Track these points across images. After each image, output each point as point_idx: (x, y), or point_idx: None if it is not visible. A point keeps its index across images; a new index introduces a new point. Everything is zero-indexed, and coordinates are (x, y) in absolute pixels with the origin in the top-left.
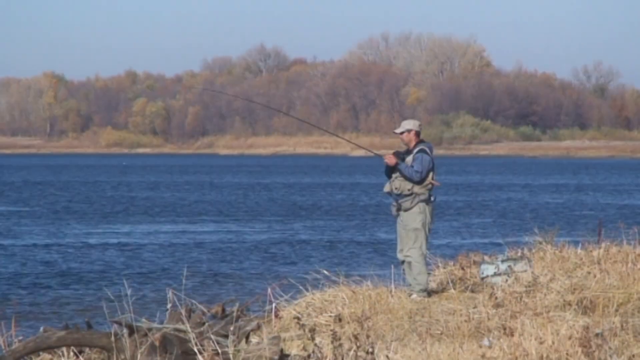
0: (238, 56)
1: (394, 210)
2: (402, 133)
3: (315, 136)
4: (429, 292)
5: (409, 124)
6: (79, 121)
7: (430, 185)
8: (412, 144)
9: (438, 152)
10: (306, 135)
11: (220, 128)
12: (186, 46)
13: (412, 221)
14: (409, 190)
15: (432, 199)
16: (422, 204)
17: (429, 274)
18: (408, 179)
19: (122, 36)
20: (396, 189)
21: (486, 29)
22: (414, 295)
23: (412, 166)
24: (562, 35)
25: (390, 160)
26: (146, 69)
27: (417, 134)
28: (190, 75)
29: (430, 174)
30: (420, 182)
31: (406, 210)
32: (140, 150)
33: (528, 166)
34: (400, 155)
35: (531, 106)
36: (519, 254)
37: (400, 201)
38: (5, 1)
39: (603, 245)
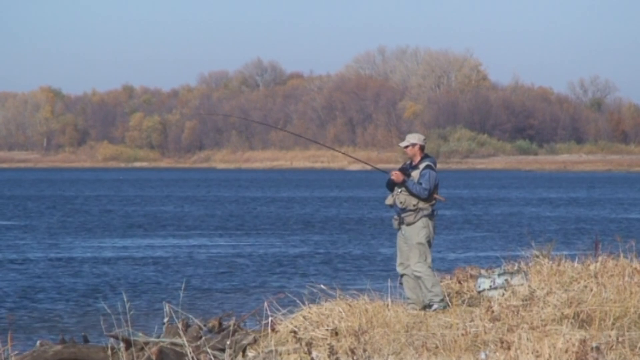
0: (235, 70)
1: (395, 223)
2: (406, 147)
3: (312, 150)
4: (447, 304)
5: (414, 138)
6: (75, 135)
7: (434, 201)
8: (417, 158)
9: None
10: (303, 149)
11: (216, 142)
12: (182, 60)
13: (416, 236)
14: (414, 205)
15: (435, 213)
16: (425, 219)
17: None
18: (415, 195)
19: (119, 51)
20: (401, 203)
21: (482, 43)
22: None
23: (420, 183)
24: (558, 49)
25: (398, 177)
26: (143, 83)
27: (422, 148)
28: (186, 89)
29: (435, 190)
30: (427, 199)
31: (409, 224)
32: (137, 165)
33: (525, 180)
34: (406, 171)
35: (528, 120)
36: (516, 268)
37: (403, 215)
38: (2, 16)
39: (600, 259)
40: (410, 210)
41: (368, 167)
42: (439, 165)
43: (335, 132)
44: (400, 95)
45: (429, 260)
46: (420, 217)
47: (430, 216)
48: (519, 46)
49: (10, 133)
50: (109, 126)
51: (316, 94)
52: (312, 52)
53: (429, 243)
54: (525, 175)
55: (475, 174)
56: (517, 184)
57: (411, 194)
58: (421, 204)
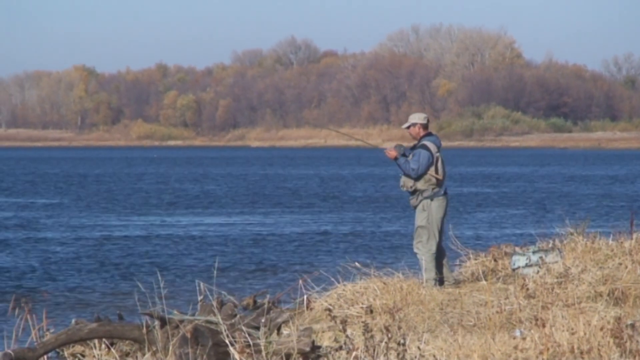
0: (268, 48)
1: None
2: (408, 127)
3: (346, 128)
4: (457, 282)
5: (414, 118)
6: (109, 114)
7: (434, 180)
8: (419, 137)
9: (468, 143)
10: (337, 127)
11: (251, 120)
12: (216, 39)
13: (417, 218)
14: (411, 187)
15: (441, 192)
16: (426, 201)
17: (459, 265)
18: (406, 175)
19: (153, 29)
20: (402, 185)
21: (516, 21)
22: (425, 284)
23: (409, 162)
24: (592, 27)
25: (390, 153)
26: (177, 61)
27: (424, 127)
28: (220, 67)
29: (432, 169)
30: (417, 179)
31: (414, 207)
32: (171, 143)
33: (559, 157)
34: (402, 150)
35: (562, 98)
36: (550, 245)
37: (409, 198)
38: None
39: (635, 236)
40: (412, 193)
41: (404, 144)
42: (472, 143)
43: (369, 110)
44: (434, 73)
45: (431, 244)
46: (421, 200)
47: (432, 197)
48: (552, 24)
49: (44, 112)
50: (143, 105)
51: (350, 72)
52: (346, 31)
53: (436, 226)
54: (560, 153)
55: (509, 151)
56: (551, 161)
57: (404, 174)
58: (420, 185)
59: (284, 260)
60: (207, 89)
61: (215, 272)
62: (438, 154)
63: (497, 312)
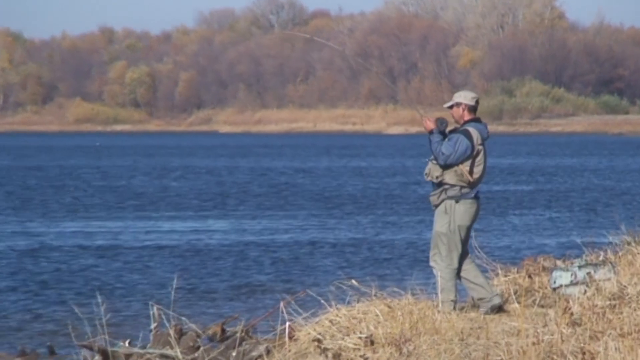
0: (242, 7)
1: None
2: (451, 107)
3: (341, 109)
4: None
5: (459, 97)
6: (40, 91)
7: (466, 178)
8: (462, 122)
9: (497, 128)
10: (329, 107)
11: (219, 99)
12: None
13: (437, 222)
14: (437, 177)
15: (471, 194)
16: (449, 202)
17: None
18: (435, 157)
19: None
20: (426, 174)
21: None
22: (440, 308)
23: (442, 143)
24: None
25: (428, 124)
26: (125, 24)
27: (471, 109)
28: (182, 32)
29: (467, 164)
30: (445, 167)
31: (435, 206)
32: (119, 128)
33: (613, 145)
34: (444, 126)
35: (616, 70)
36: (601, 258)
37: (430, 194)
38: None
39: None
40: (437, 187)
41: (412, 131)
42: (502, 128)
43: (370, 86)
44: (454, 39)
45: (451, 257)
46: (443, 200)
47: (459, 199)
48: None
49: None
50: (82, 79)
51: (346, 38)
52: None
53: (459, 235)
54: (614, 140)
55: (549, 138)
56: (602, 150)
57: (433, 158)
58: (447, 178)
59: (261, 277)
60: (164, 59)
61: (173, 292)
62: (481, 147)
63: (533, 343)
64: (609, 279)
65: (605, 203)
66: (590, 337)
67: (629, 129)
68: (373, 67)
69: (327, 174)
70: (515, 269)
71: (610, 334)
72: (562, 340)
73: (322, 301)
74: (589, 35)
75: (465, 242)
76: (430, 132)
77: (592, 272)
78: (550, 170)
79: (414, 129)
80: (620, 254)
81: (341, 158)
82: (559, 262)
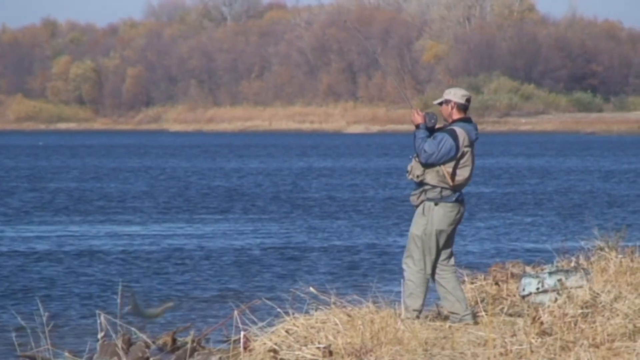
0: None
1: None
2: (441, 104)
3: (298, 107)
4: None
5: (449, 94)
6: None
7: (447, 180)
8: (451, 120)
9: None
10: (286, 105)
11: (169, 96)
12: None
13: (414, 224)
14: (418, 177)
15: (452, 198)
16: (429, 204)
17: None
18: (417, 154)
19: None
20: (408, 172)
21: None
22: (403, 314)
23: (426, 141)
24: None
25: (416, 117)
26: (69, 16)
27: (461, 108)
28: (129, 25)
29: (449, 165)
30: (426, 166)
31: (415, 207)
32: (62, 126)
33: (585, 145)
34: (433, 122)
35: (589, 65)
36: (573, 264)
37: (411, 193)
38: None
39: None
40: (418, 187)
41: (373, 130)
42: None
43: (329, 82)
44: (418, 33)
45: (426, 262)
46: (423, 201)
47: (437, 201)
48: None
49: None
50: (23, 75)
51: (304, 31)
52: None
53: (435, 241)
54: (586, 139)
55: (518, 137)
56: (574, 150)
57: (416, 154)
58: (429, 178)
59: (214, 284)
60: (110, 54)
61: (119, 299)
62: (467, 149)
63: (500, 353)
64: (581, 287)
65: (577, 206)
66: (561, 348)
67: (602, 128)
68: (332, 62)
69: (286, 175)
70: (483, 276)
71: (582, 344)
72: (532, 351)
73: (279, 309)
74: (560, 29)
75: (444, 247)
76: (417, 127)
77: (564, 278)
78: (519, 172)
79: (375, 128)
80: (593, 259)
81: (300, 158)
82: (528, 269)
